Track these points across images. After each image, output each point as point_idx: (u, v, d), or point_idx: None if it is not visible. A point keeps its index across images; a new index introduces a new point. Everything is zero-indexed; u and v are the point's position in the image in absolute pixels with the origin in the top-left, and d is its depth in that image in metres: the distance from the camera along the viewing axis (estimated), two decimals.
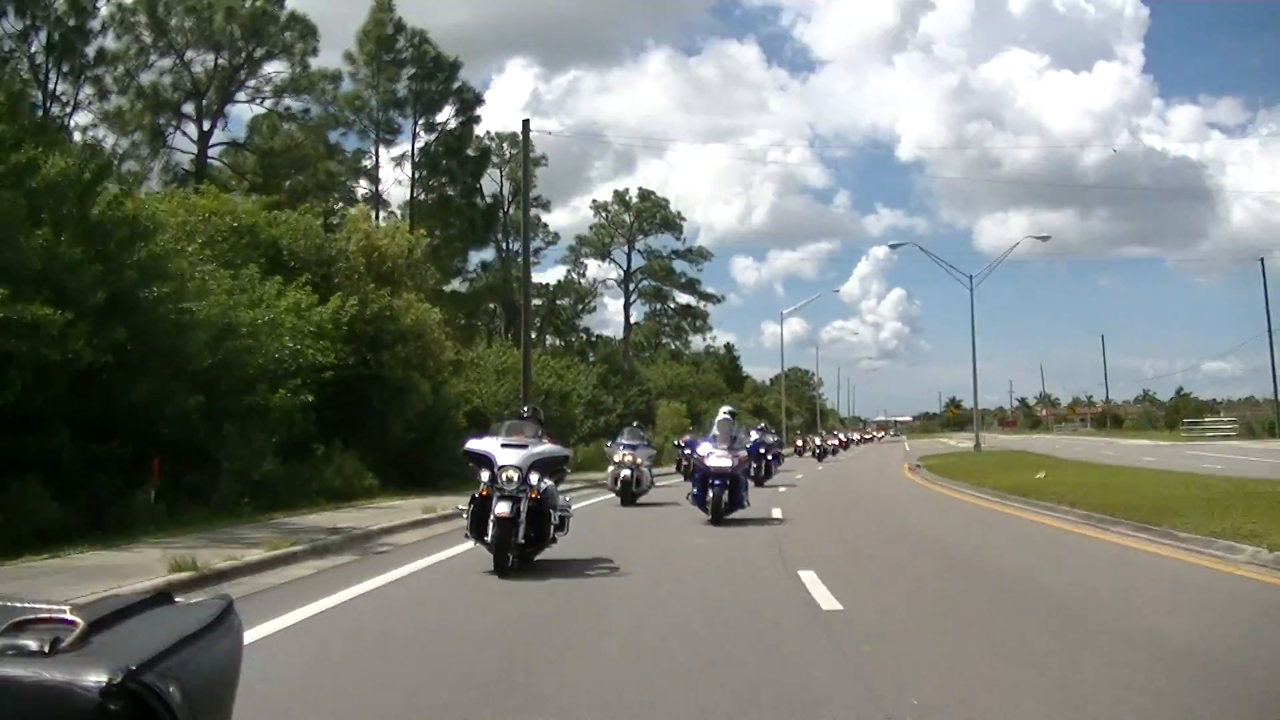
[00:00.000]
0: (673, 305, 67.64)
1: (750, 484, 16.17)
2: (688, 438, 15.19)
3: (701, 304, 67.83)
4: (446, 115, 36.83)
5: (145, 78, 28.18)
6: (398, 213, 36.12)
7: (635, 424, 23.27)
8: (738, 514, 14.22)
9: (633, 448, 18.86)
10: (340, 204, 32.43)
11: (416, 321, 22.22)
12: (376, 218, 32.10)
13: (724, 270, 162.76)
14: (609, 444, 20.35)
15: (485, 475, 9.10)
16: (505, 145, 46.87)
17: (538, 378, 30.88)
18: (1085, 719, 4.44)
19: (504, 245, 43.53)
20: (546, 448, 9.49)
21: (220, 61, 28.78)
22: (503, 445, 9.29)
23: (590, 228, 64.40)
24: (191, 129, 29.40)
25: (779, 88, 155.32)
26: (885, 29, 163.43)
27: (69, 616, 1.04)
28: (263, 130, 31.46)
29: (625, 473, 18.22)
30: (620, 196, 64.78)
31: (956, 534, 13.60)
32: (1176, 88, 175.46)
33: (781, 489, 22.21)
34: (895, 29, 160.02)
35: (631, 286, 64.78)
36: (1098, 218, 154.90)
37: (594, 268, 64.09)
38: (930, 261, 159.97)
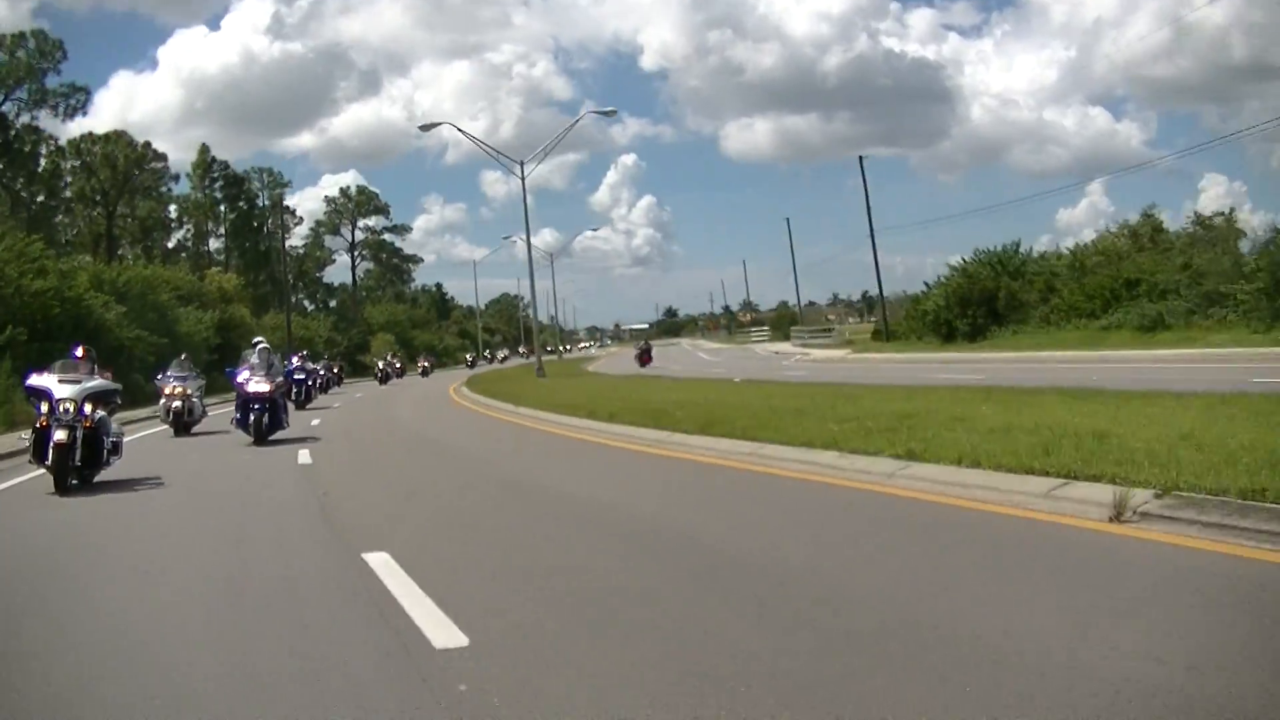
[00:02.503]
0: (386, 263, 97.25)
1: (291, 406, 17.96)
2: (244, 366, 15.74)
3: (406, 264, 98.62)
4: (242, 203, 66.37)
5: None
6: (223, 254, 65.29)
7: (184, 357, 22.27)
8: (279, 434, 15.53)
9: (182, 379, 19.13)
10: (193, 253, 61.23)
11: (241, 318, 51.43)
12: (210, 262, 61.03)
13: (474, 185, 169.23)
14: (159, 377, 20.18)
15: (44, 407, 10.03)
16: (264, 174, 75.01)
17: (294, 330, 59.59)
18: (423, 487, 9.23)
19: (270, 259, 72.13)
20: (99, 382, 10.44)
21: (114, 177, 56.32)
22: (59, 381, 10.20)
23: (324, 213, 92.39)
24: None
25: (521, 3, 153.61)
26: None
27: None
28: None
29: (176, 404, 18.56)
30: (344, 191, 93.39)
31: (426, 422, 19.15)
32: None
33: (336, 405, 28.05)
34: None
35: (356, 253, 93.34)
36: (841, 120, 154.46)
37: (328, 240, 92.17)
38: (679, 168, 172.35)
